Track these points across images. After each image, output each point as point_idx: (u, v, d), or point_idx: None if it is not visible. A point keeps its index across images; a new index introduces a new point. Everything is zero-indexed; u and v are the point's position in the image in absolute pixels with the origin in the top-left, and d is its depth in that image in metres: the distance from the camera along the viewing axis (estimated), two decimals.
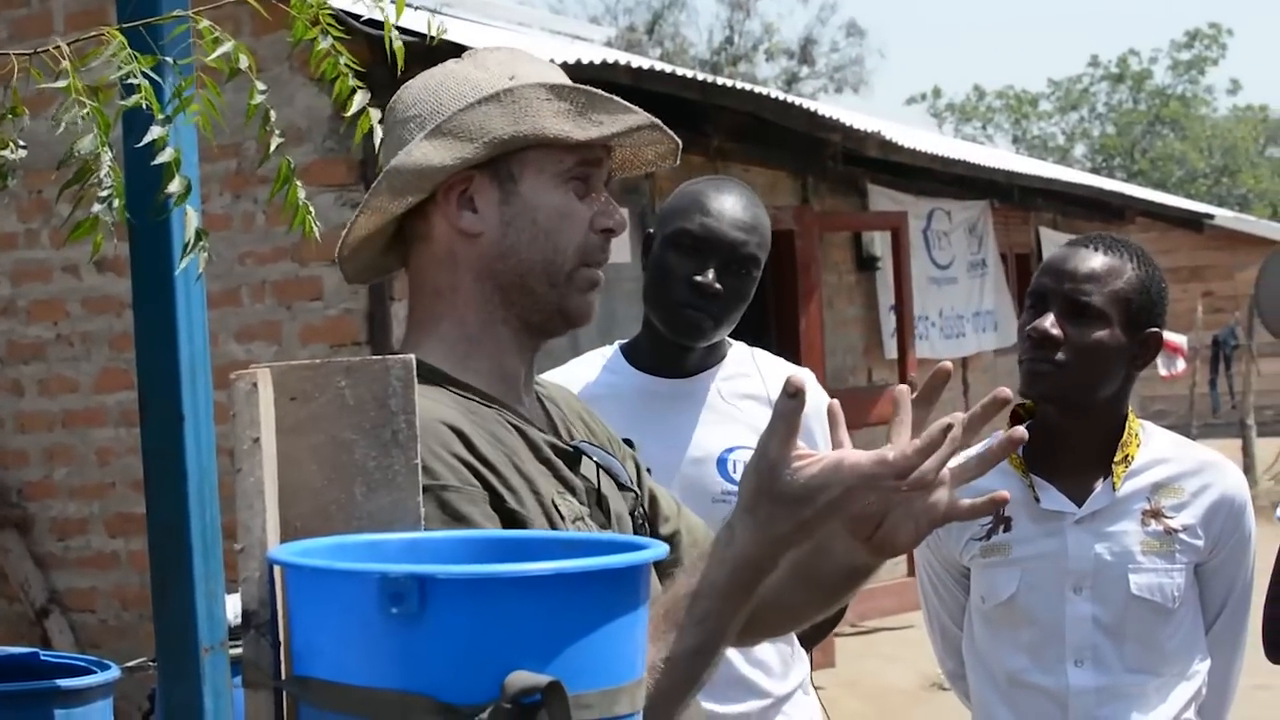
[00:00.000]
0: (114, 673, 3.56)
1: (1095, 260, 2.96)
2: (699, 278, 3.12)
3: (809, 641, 3.36)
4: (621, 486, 2.08)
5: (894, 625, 10.18)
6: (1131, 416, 3.05)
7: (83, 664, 3.65)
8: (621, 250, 8.09)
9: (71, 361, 8.01)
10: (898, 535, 1.90)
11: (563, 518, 1.92)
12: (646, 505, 2.14)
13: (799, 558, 1.92)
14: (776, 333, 10.17)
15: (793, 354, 9.70)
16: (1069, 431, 3.02)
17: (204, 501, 2.01)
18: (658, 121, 1.99)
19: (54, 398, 8.07)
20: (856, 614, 10.39)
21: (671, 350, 3.21)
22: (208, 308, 2.07)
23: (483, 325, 1.99)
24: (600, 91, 1.96)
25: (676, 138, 2.04)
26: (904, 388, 1.88)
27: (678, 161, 2.09)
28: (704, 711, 2.07)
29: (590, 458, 2.03)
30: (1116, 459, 3.00)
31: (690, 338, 3.17)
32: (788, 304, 10.04)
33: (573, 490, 1.98)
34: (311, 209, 2.16)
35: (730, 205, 3.17)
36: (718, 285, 3.12)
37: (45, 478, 8.12)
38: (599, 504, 2.02)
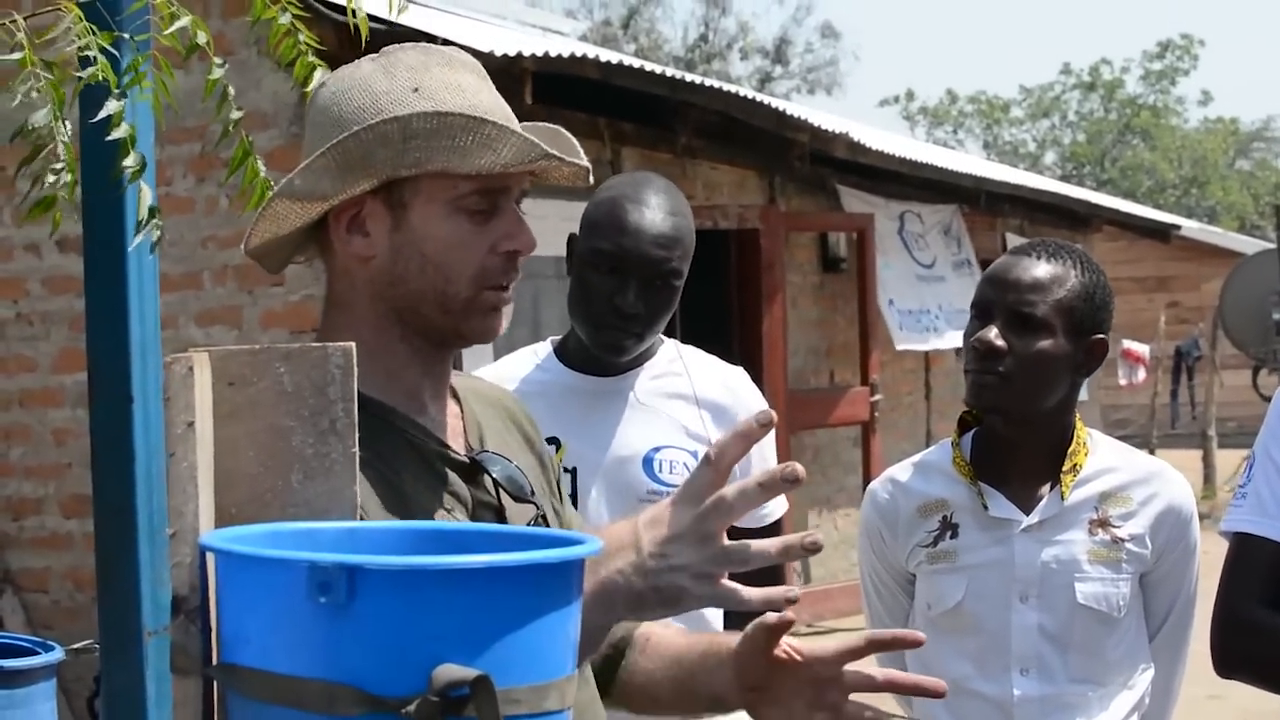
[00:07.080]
0: (58, 654, 3.55)
1: (1038, 269, 2.96)
2: (618, 299, 3.05)
3: None
4: (518, 499, 1.99)
5: (850, 626, 10.18)
6: (1079, 425, 3.04)
7: (27, 645, 3.64)
8: (547, 243, 8.07)
9: (30, 341, 7.96)
10: (773, 708, 1.90)
11: None
12: (553, 518, 2.07)
13: (687, 662, 1.99)
14: (739, 332, 10.16)
15: (754, 354, 9.69)
16: (1016, 440, 3.01)
17: (152, 485, 1.98)
18: (553, 153, 1.88)
19: (12, 377, 8.03)
20: (812, 614, 10.40)
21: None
22: (169, 291, 2.06)
23: (379, 342, 1.93)
24: (497, 120, 1.85)
25: (585, 163, 1.94)
26: (763, 418, 1.77)
27: (590, 182, 2.01)
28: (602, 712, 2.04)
29: (488, 471, 1.96)
30: (1064, 468, 2.99)
31: (613, 355, 3.12)
32: (751, 303, 10.03)
33: (463, 503, 1.94)
34: (273, 185, 2.14)
35: (649, 219, 3.06)
36: (639, 307, 3.06)
37: (1, 457, 8.08)
38: (500, 517, 1.96)
